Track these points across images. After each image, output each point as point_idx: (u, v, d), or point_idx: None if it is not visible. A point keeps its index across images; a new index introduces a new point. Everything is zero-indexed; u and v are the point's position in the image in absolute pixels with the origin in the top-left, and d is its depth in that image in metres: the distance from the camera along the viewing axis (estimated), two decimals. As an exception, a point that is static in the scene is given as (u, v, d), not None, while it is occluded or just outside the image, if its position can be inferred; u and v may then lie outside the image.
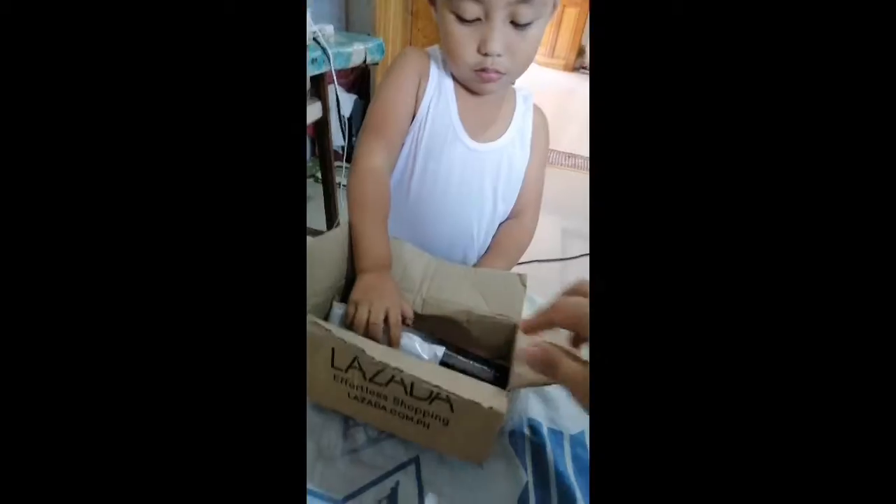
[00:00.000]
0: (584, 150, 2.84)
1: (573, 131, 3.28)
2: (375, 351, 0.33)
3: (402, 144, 0.52)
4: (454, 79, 0.52)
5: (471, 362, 0.41)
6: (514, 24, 0.43)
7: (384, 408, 0.35)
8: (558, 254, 1.77)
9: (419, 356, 0.39)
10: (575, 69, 4.96)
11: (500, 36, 0.43)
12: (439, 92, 0.51)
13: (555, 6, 0.48)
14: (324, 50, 0.89)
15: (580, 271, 1.73)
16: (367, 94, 1.34)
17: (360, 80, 1.38)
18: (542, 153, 0.60)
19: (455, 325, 0.44)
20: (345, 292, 0.45)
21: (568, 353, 0.28)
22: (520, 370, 0.34)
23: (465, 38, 0.44)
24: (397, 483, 0.35)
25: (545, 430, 0.41)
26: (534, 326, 0.32)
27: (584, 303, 0.27)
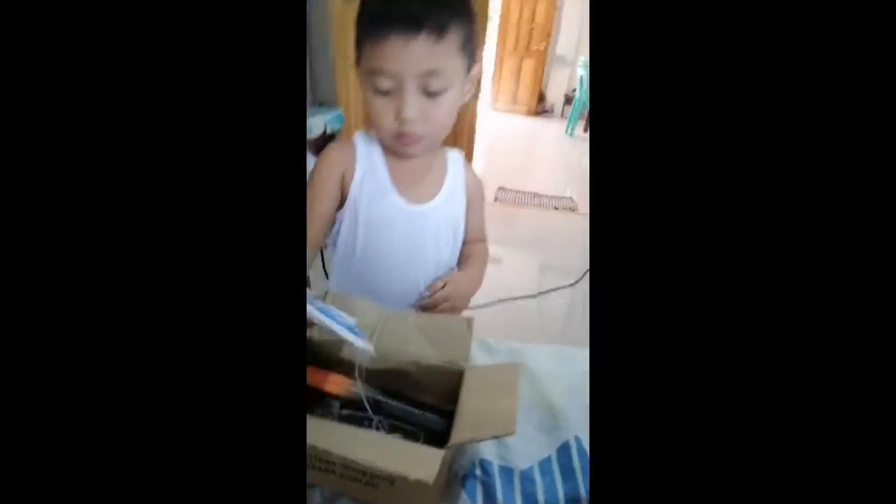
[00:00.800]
0: (550, 189, 2.96)
1: (539, 171, 3.43)
2: (310, 435, 0.34)
3: (327, 232, 0.59)
4: (384, 147, 0.58)
5: (423, 413, 0.44)
6: (426, 92, 0.49)
7: (333, 472, 0.37)
8: (535, 289, 1.81)
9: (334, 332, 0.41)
10: (537, 113, 5.25)
11: (413, 104, 0.48)
12: (370, 164, 0.57)
13: (470, 76, 0.54)
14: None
15: (556, 304, 1.77)
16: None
17: (326, 143, 1.48)
18: (479, 203, 0.65)
19: (405, 375, 0.47)
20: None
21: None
22: (458, 430, 0.37)
23: (383, 107, 0.50)
24: (353, 539, 0.37)
25: (496, 469, 0.43)
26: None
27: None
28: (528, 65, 5.06)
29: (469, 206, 0.64)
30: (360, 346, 0.42)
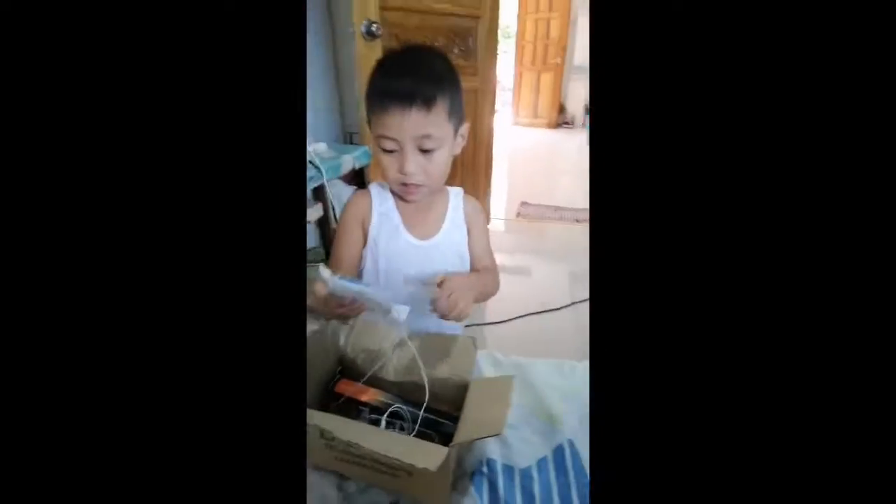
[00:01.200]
0: (572, 202, 3.00)
1: (560, 185, 3.47)
2: (344, 432, 0.44)
3: (357, 265, 0.71)
4: (394, 194, 0.71)
5: (437, 419, 0.52)
6: (423, 151, 0.61)
7: (364, 465, 0.46)
8: (567, 300, 1.83)
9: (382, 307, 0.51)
10: (558, 125, 5.31)
11: (412, 161, 0.61)
12: (384, 209, 0.71)
13: (460, 133, 0.66)
14: (317, 168, 1.11)
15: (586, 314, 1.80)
16: (363, 183, 1.57)
17: (356, 176, 1.60)
18: (479, 230, 0.76)
19: (421, 387, 0.55)
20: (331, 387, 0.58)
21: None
22: (460, 432, 0.45)
23: (389, 163, 0.63)
24: (381, 521, 0.45)
25: (499, 467, 0.51)
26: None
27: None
28: (547, 78, 5.15)
29: (469, 233, 0.74)
30: (399, 308, 0.52)
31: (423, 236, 0.71)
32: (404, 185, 0.63)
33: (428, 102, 0.57)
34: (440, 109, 0.59)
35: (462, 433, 0.45)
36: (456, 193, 0.75)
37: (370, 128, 0.63)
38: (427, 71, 0.59)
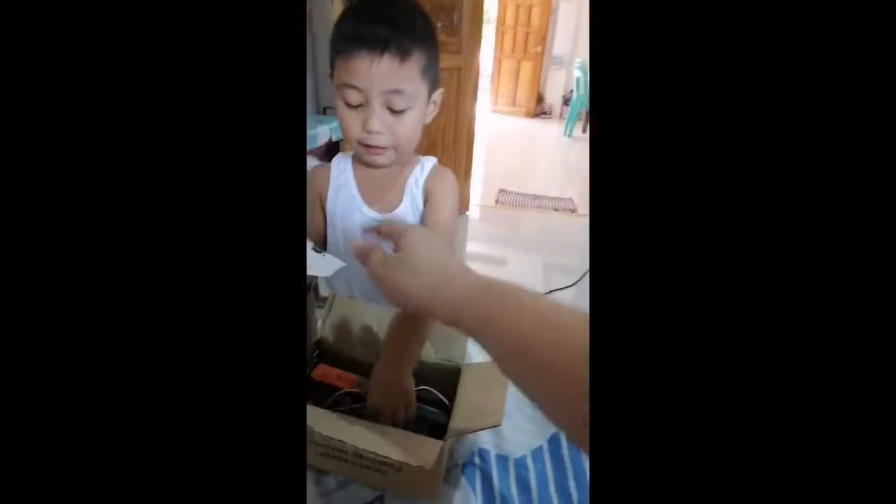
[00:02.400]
0: (550, 190, 3.00)
1: (538, 173, 3.47)
2: (324, 427, 0.39)
3: (321, 243, 0.65)
4: (355, 163, 0.64)
5: (426, 407, 0.48)
6: (390, 109, 0.54)
7: (346, 460, 0.41)
8: (540, 289, 1.85)
9: None
10: (536, 115, 5.30)
11: (378, 117, 0.54)
12: (342, 181, 0.64)
13: (433, 99, 0.59)
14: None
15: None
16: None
17: (330, 150, 1.53)
18: (441, 201, 0.65)
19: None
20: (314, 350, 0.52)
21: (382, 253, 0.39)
22: (455, 422, 0.41)
23: (352, 119, 0.55)
24: (364, 519, 0.41)
25: (493, 457, 0.47)
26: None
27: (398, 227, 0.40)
28: (526, 67, 5.11)
29: (425, 204, 0.65)
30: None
31: (383, 210, 0.64)
32: (367, 146, 0.56)
33: (402, 52, 0.50)
34: (414, 64, 0.52)
35: (457, 424, 0.41)
36: (423, 164, 0.66)
37: (332, 78, 0.56)
38: (405, 20, 0.51)
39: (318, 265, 0.44)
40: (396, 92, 0.52)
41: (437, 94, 0.59)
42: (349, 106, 0.54)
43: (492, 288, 0.33)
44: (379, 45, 0.50)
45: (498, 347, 0.30)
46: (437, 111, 0.60)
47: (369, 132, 0.54)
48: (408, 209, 0.64)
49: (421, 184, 0.65)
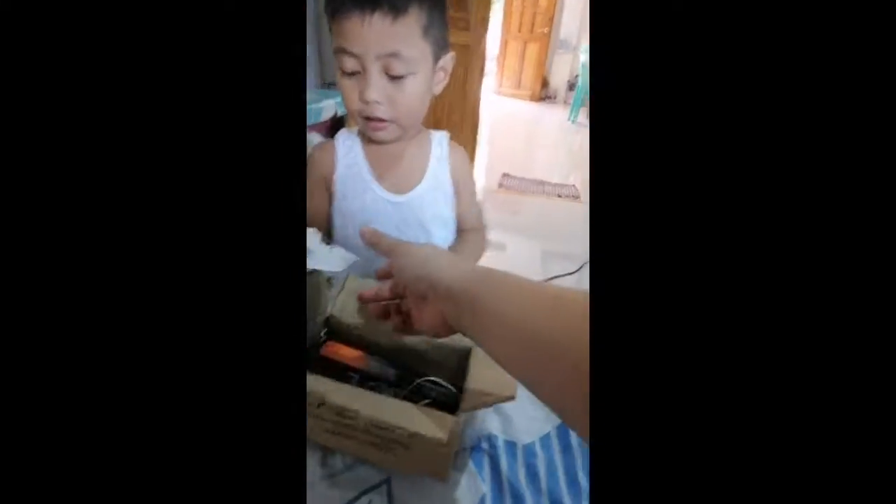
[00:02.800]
0: (554, 176, 2.97)
1: (542, 158, 3.43)
2: (337, 395, 0.38)
3: (324, 228, 0.60)
4: (363, 140, 0.59)
5: (435, 388, 0.47)
6: (390, 76, 0.49)
7: (355, 438, 0.40)
8: (539, 277, 1.84)
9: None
10: (541, 98, 5.21)
11: (376, 85, 0.48)
12: (350, 160, 0.59)
13: (441, 66, 0.53)
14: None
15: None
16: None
17: (335, 127, 1.49)
18: (468, 184, 0.64)
19: (417, 352, 0.50)
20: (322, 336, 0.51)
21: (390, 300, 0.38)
22: (469, 398, 0.40)
23: (350, 88, 0.50)
24: (370, 502, 0.40)
25: (501, 443, 0.46)
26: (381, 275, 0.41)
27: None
28: (533, 48, 5.00)
29: (456, 191, 0.61)
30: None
31: (398, 190, 0.59)
32: (366, 118, 0.51)
33: (395, 9, 0.45)
34: (411, 21, 0.46)
35: (470, 400, 0.40)
36: (440, 140, 0.61)
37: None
38: None
39: (327, 259, 0.42)
40: (393, 55, 0.47)
41: (447, 60, 0.53)
42: (346, 74, 0.49)
43: (487, 271, 0.31)
44: (368, 3, 0.45)
45: (493, 328, 0.28)
46: (447, 80, 0.55)
47: (367, 102, 0.50)
48: (432, 192, 0.59)
49: (445, 164, 0.60)
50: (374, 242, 0.38)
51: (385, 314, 0.39)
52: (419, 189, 0.59)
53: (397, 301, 0.39)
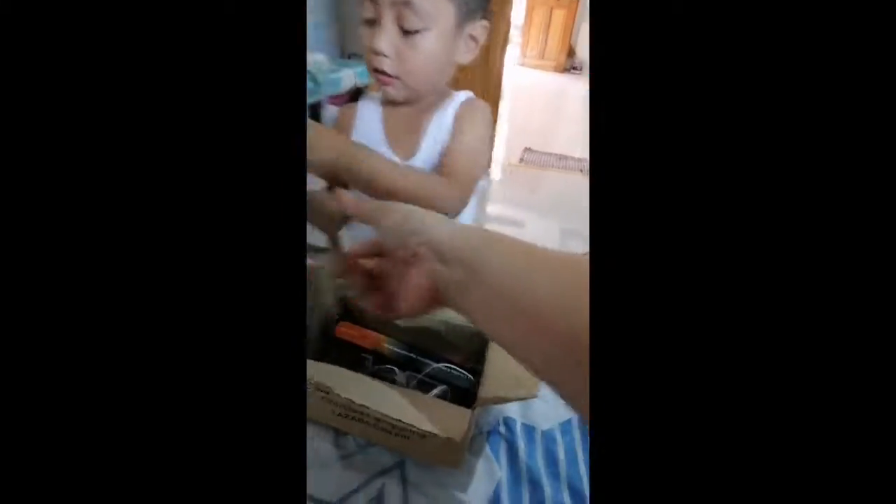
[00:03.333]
0: (576, 151, 2.88)
1: (565, 132, 3.32)
2: (345, 389, 0.36)
3: None
4: (383, 102, 0.57)
5: (451, 371, 0.45)
6: (402, 29, 0.45)
7: (367, 423, 0.39)
8: None
9: None
10: (566, 70, 5.01)
11: (386, 36, 0.45)
12: (367, 121, 0.57)
13: (468, 33, 0.49)
14: (314, 80, 0.95)
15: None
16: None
17: (354, 98, 1.47)
18: (469, 131, 0.54)
19: (435, 334, 0.48)
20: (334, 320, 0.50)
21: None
22: (485, 390, 0.38)
23: (366, 37, 0.47)
24: (383, 485, 0.39)
25: (518, 427, 0.45)
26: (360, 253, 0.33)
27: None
28: (559, 16, 4.77)
29: (452, 136, 0.54)
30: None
31: (405, 155, 0.55)
32: (374, 70, 0.48)
33: None
34: None
35: (488, 392, 0.38)
36: (458, 98, 0.56)
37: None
38: None
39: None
40: (407, 4, 0.44)
41: (477, 27, 0.49)
42: (365, 22, 0.47)
43: (481, 230, 0.28)
44: None
45: (486, 294, 0.25)
46: (477, 50, 0.51)
47: (374, 52, 0.46)
48: (430, 151, 0.55)
49: (446, 127, 0.54)
50: (354, 213, 0.32)
51: (366, 288, 0.33)
52: (415, 158, 0.55)
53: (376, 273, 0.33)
